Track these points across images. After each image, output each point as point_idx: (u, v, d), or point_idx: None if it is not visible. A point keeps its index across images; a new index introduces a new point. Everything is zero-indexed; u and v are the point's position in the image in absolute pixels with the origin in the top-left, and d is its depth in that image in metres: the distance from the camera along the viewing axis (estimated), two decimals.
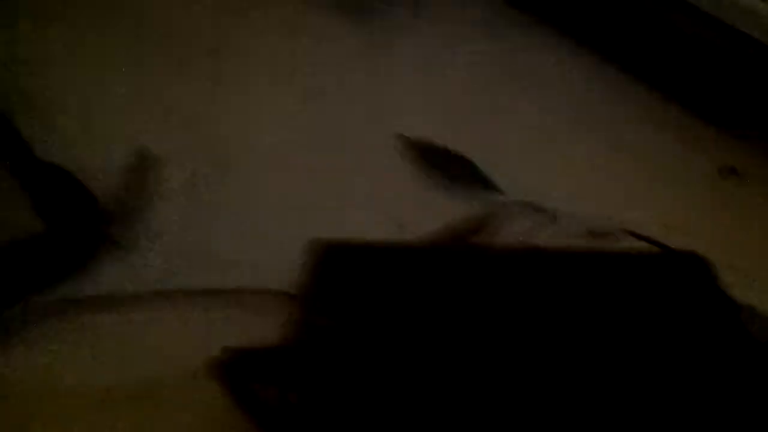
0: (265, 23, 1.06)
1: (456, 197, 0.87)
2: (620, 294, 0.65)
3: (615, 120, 1.00)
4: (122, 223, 0.78)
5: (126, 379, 0.66)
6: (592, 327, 0.62)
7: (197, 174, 0.84)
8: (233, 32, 1.04)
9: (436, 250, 0.69)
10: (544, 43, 1.08)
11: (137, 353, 0.68)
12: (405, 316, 0.60)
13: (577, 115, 0.98)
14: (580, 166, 0.93)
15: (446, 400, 0.56)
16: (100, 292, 0.72)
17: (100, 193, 0.79)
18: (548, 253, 0.69)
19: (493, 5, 1.13)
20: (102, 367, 0.66)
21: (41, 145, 0.84)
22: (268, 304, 0.69)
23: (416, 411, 0.55)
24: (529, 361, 0.58)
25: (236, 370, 0.58)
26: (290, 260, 0.64)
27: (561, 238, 0.79)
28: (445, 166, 0.89)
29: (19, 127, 0.85)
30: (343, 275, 0.61)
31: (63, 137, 0.86)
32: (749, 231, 0.91)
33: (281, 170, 0.86)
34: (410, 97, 0.97)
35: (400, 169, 0.89)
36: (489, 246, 0.74)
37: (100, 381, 0.65)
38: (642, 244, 0.76)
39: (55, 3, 1.05)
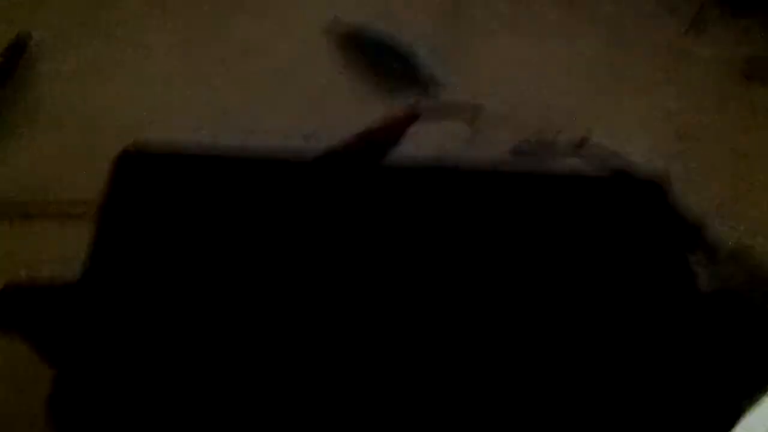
0: None
1: (389, 97, 0.72)
2: (540, 227, 0.53)
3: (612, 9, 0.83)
4: None
5: None
6: (499, 265, 0.51)
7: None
8: None
9: (305, 163, 0.55)
10: None
11: None
12: (229, 247, 0.48)
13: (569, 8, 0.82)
14: (566, 61, 0.78)
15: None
16: None
17: None
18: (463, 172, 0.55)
19: None
20: None
21: None
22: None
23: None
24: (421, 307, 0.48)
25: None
26: None
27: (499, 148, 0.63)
28: (383, 59, 0.75)
29: None
30: (150, 189, 0.49)
31: None
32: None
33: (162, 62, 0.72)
34: None
35: (326, 61, 0.75)
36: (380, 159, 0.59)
37: None
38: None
39: None
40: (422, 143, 0.62)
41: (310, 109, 0.71)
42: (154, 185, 0.50)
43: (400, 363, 0.46)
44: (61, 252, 0.54)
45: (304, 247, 0.49)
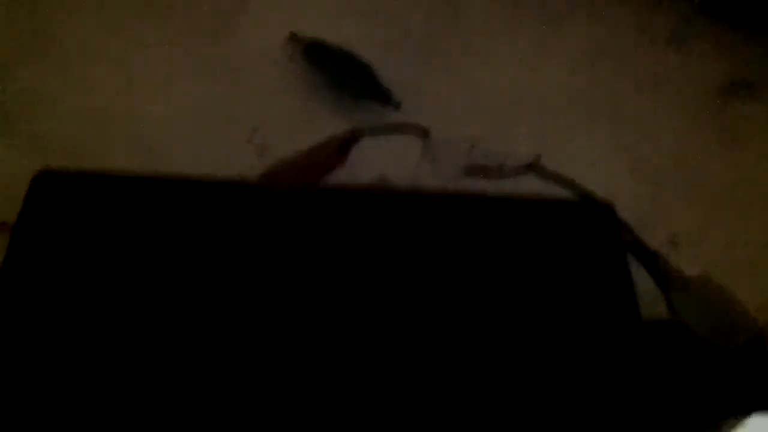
0: None
1: (346, 112, 0.70)
2: (484, 250, 0.52)
3: (584, 20, 0.81)
4: None
5: None
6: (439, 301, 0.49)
7: None
8: None
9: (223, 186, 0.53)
10: None
11: None
12: (148, 273, 0.46)
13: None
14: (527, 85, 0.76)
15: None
16: None
17: None
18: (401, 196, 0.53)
19: None
20: None
21: None
22: None
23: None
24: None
25: None
26: None
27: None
28: (341, 72, 0.74)
29: None
30: (68, 211, 0.48)
31: None
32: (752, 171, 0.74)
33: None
34: None
35: (282, 76, 0.74)
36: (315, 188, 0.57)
37: None
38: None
39: None
40: (366, 164, 0.60)
41: (263, 119, 0.70)
42: (72, 206, 0.49)
43: (333, 403, 0.44)
44: None
45: (232, 274, 0.47)
